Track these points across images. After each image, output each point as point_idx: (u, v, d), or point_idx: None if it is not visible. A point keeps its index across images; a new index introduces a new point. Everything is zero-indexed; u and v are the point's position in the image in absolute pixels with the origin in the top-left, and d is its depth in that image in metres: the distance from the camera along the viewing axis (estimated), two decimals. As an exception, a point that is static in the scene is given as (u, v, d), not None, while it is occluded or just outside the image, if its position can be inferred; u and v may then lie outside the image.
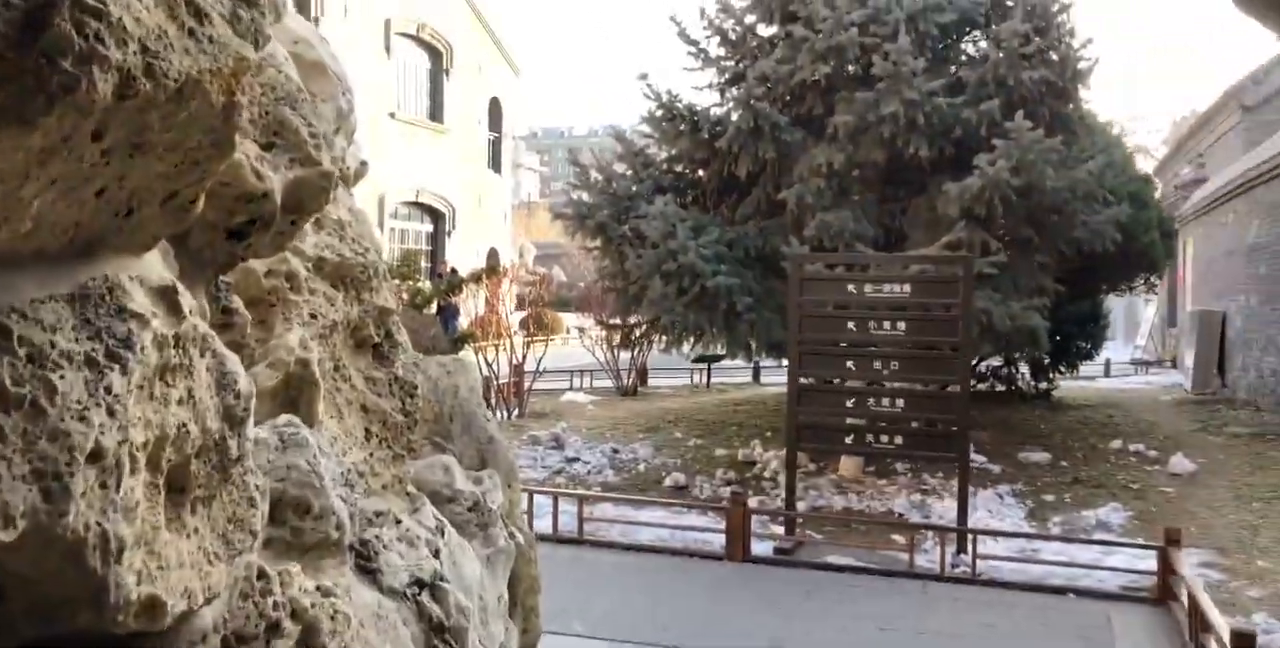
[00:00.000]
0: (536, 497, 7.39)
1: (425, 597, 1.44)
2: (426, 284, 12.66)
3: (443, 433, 2.59)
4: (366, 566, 1.36)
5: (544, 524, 7.18)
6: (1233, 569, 6.55)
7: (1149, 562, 6.45)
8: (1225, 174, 18.45)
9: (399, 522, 1.51)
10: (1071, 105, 9.20)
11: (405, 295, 11.05)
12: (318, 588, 1.10)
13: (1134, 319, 30.23)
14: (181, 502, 0.84)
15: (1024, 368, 14.64)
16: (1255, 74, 24.25)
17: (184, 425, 0.83)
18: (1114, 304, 19.86)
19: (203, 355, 0.87)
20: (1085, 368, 17.03)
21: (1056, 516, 8.07)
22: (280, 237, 1.14)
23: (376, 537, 1.40)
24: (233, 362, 0.94)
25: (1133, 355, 26.16)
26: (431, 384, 2.58)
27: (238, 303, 1.20)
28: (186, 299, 0.86)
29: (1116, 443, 11.05)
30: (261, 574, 0.98)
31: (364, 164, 1.79)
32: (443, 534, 1.66)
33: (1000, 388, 14.77)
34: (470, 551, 1.81)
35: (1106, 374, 21.20)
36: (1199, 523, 7.80)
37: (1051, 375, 15.35)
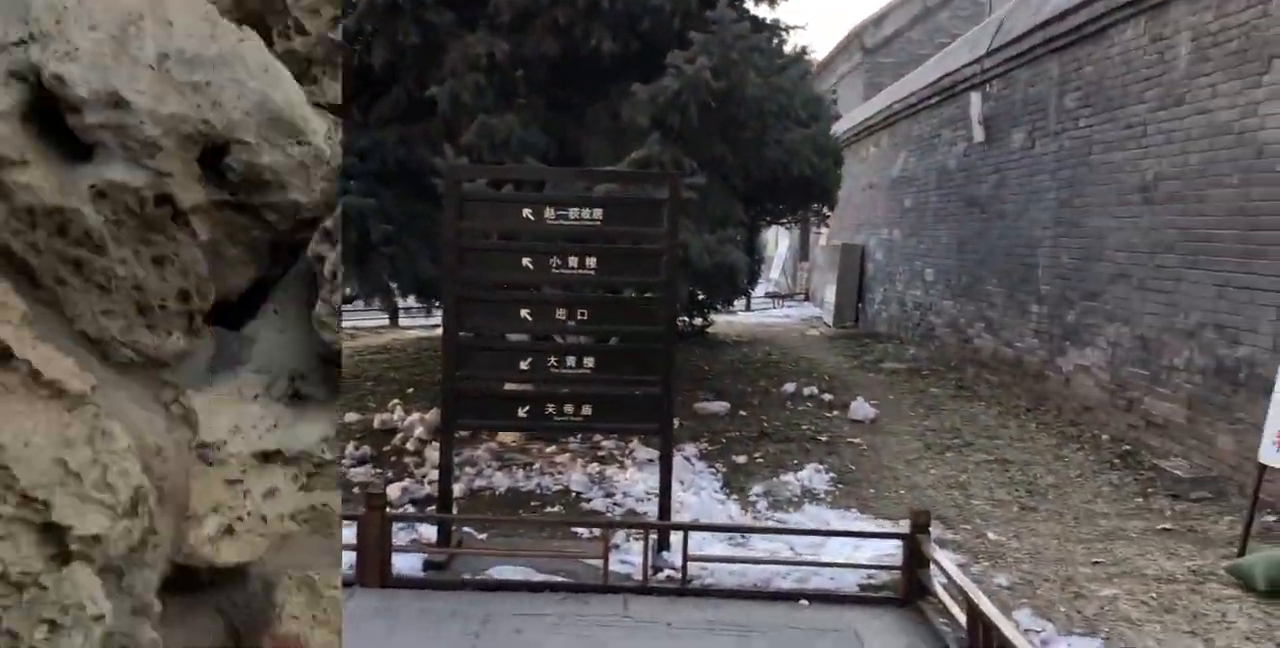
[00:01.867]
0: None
1: None
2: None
3: None
4: None
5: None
6: (966, 546, 5.66)
7: (879, 544, 5.42)
8: (862, 109, 18.62)
9: None
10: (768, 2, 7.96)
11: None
12: None
13: (765, 252, 31.14)
14: None
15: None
16: (875, 17, 25.33)
17: None
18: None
19: None
20: (724, 301, 16.43)
21: (755, 483, 6.94)
22: None
23: None
24: None
25: (767, 289, 26.89)
26: None
27: None
28: None
29: (789, 386, 10.33)
30: None
31: None
32: None
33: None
34: None
35: (748, 308, 21.31)
36: (905, 484, 7.00)
37: (706, 311, 14.65)
